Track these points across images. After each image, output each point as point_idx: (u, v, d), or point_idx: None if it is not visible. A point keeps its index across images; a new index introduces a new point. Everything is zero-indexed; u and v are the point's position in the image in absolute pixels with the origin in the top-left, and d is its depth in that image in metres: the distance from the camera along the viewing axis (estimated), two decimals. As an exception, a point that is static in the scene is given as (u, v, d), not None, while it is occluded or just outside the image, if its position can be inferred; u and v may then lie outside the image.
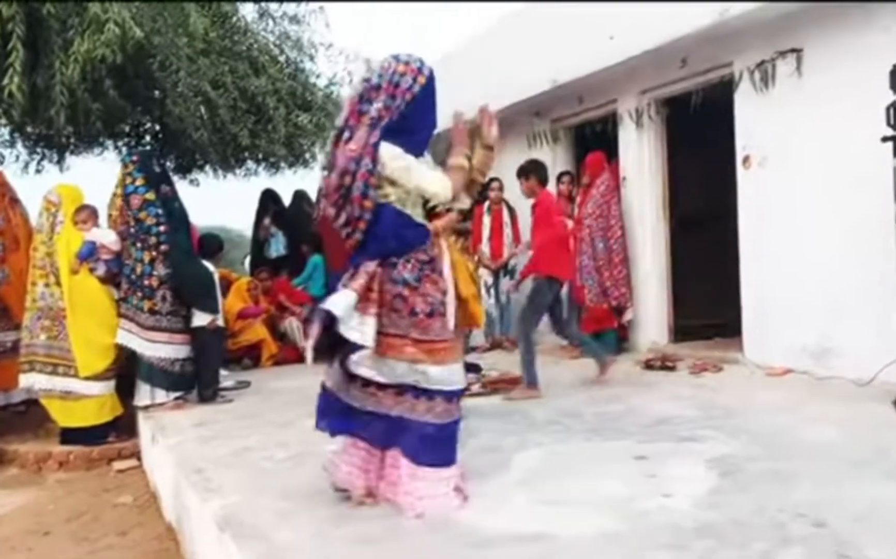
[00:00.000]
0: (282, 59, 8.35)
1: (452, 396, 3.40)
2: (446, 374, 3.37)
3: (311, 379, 3.78)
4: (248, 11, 8.38)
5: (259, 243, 9.84)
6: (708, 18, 6.59)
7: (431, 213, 3.71)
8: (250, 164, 9.11)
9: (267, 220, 9.69)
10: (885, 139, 4.95)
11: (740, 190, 7.07)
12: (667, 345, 8.06)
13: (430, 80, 3.41)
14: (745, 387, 6.11)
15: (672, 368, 7.06)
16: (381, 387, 3.37)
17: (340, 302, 3.23)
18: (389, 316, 3.32)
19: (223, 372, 7.19)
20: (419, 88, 3.35)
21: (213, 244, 7.30)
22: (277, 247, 9.77)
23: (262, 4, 8.46)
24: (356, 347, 3.24)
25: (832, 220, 6.09)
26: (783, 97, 6.57)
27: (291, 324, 8.94)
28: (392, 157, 3.28)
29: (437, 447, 3.37)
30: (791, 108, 6.48)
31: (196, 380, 6.57)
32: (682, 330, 8.28)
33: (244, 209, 10.27)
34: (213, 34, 7.40)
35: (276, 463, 4.51)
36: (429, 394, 3.35)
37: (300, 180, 9.95)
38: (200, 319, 6.56)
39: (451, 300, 4.54)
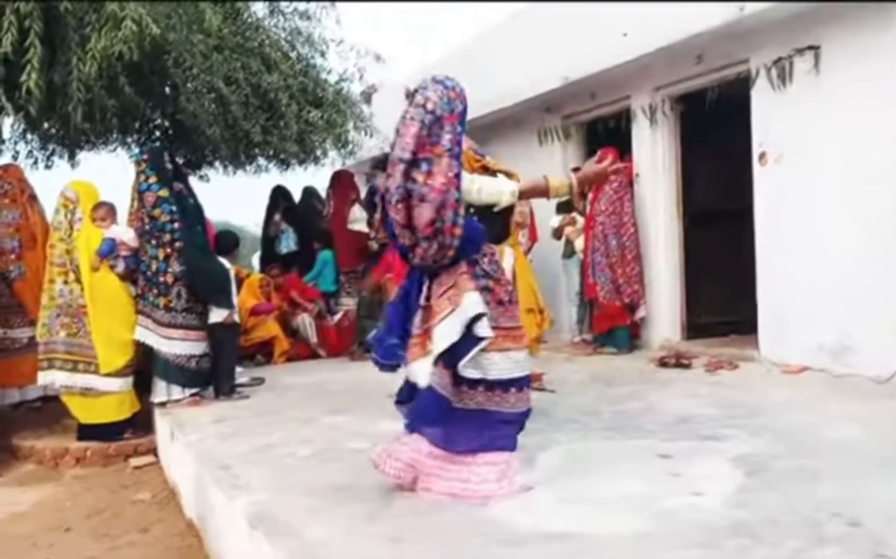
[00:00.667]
0: (293, 55, 8.30)
1: (526, 382, 3.63)
2: (526, 359, 3.62)
3: (325, 375, 3.85)
4: (259, 8, 8.34)
5: (270, 239, 9.83)
6: (724, 16, 6.58)
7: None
8: (261, 160, 9.09)
9: (277, 217, 9.69)
10: (904, 136, 4.94)
11: (756, 187, 7.06)
12: (680, 343, 8.05)
13: (466, 101, 3.57)
14: (763, 384, 6.10)
15: (687, 366, 7.05)
16: (476, 384, 3.51)
17: (478, 302, 3.36)
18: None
19: (238, 368, 7.19)
20: (464, 111, 3.49)
21: (228, 241, 7.30)
22: (288, 243, 9.77)
23: (274, 1, 8.43)
24: (466, 349, 3.37)
25: (849, 217, 6.08)
26: (800, 94, 6.55)
27: (304, 320, 8.95)
28: (468, 181, 3.56)
29: (513, 433, 3.65)
30: (808, 105, 6.47)
31: (212, 376, 6.57)
32: (696, 327, 8.28)
33: (254, 205, 10.26)
34: (225, 31, 7.36)
35: (299, 460, 4.51)
36: (517, 383, 3.56)
37: (310, 177, 10.01)
38: (216, 316, 6.57)
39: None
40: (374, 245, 9.58)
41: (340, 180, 9.90)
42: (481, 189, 3.63)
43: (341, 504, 3.61)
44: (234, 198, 12.30)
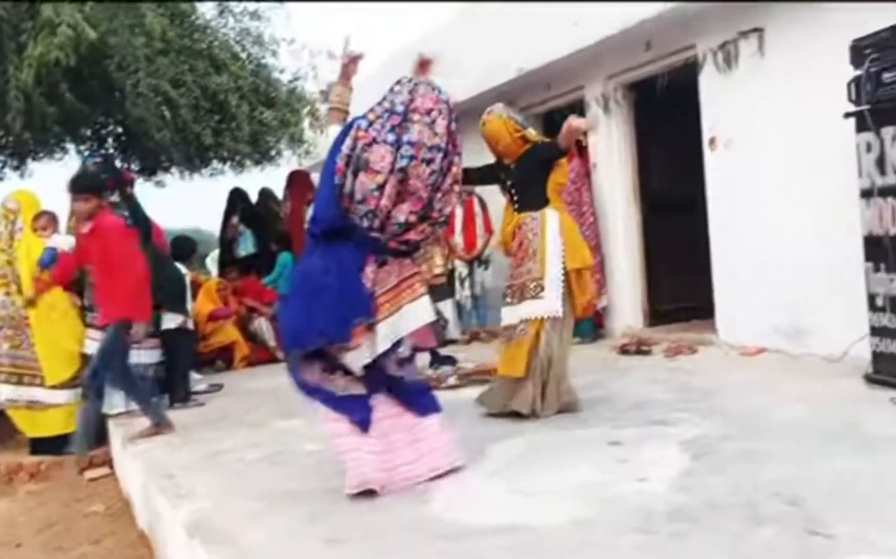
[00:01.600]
0: (243, 55, 8.24)
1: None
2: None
3: (284, 378, 3.74)
4: (207, 9, 8.27)
5: (227, 242, 9.72)
6: (669, 2, 6.59)
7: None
8: (216, 163, 9.00)
9: (235, 219, 9.57)
10: (847, 115, 4.96)
11: (707, 172, 7.09)
12: (642, 330, 8.07)
13: None
14: (720, 368, 6.13)
15: (647, 353, 7.07)
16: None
17: (424, 310, 3.62)
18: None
19: (196, 375, 7.11)
20: None
21: (185, 246, 7.21)
22: (246, 245, 9.66)
23: (223, 1, 8.34)
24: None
25: (798, 198, 6.12)
26: (746, 77, 6.59)
27: (261, 324, 8.85)
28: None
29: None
30: (754, 87, 6.50)
31: (167, 384, 6.47)
32: (658, 314, 8.31)
33: (215, 209, 10.14)
34: (171, 33, 7.27)
35: (247, 465, 4.46)
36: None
37: (267, 177, 9.84)
38: (170, 322, 6.48)
39: (555, 279, 4.78)
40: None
41: (296, 180, 9.81)
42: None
43: (285, 508, 3.55)
44: (201, 202, 12.18)
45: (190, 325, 6.75)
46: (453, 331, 8.95)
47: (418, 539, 3.03)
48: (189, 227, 10.85)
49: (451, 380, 6.18)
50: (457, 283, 8.79)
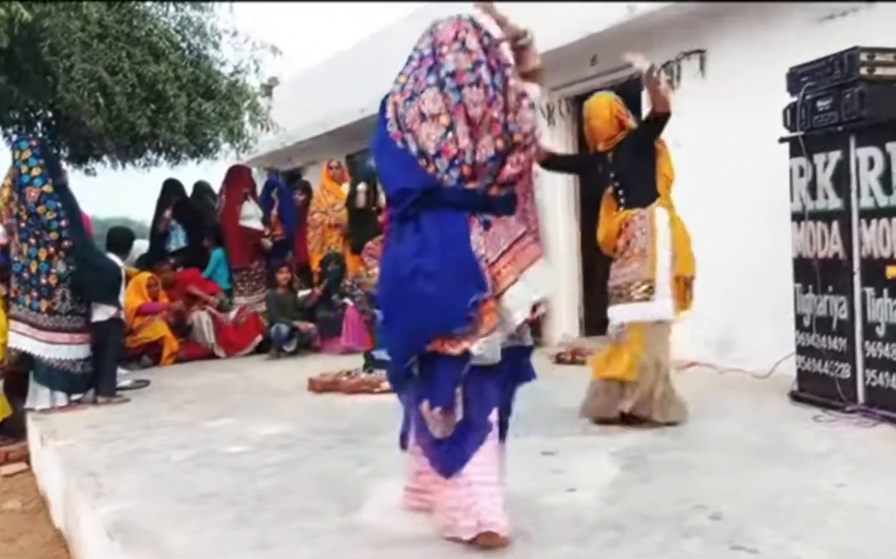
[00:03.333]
0: (183, 45, 8.04)
1: None
2: None
3: (217, 376, 3.66)
4: (147, -8, 8.04)
5: (159, 236, 9.45)
6: (616, 18, 6.67)
7: None
8: (150, 154, 8.75)
9: (168, 212, 9.32)
10: (782, 140, 5.09)
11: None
12: (578, 339, 8.14)
13: None
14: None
15: (582, 362, 7.10)
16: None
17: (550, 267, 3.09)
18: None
19: (121, 371, 6.89)
20: None
21: (123, 238, 6.99)
22: (177, 239, 9.42)
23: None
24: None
25: (733, 217, 6.25)
26: (687, 97, 6.70)
27: (200, 317, 8.62)
28: None
29: None
30: (695, 107, 6.61)
31: (94, 376, 6.26)
32: (594, 323, 8.38)
33: (147, 200, 9.87)
34: (109, 18, 7.06)
35: (173, 465, 4.33)
36: None
37: (204, 171, 9.64)
38: (101, 314, 6.28)
39: (665, 284, 4.56)
40: (268, 243, 9.37)
41: (235, 176, 9.62)
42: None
43: (210, 511, 3.46)
44: (132, 192, 11.83)
45: (121, 316, 6.55)
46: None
47: (347, 546, 2.98)
48: (118, 217, 10.57)
49: (385, 385, 6.11)
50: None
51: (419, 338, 2.76)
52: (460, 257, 2.74)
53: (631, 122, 4.83)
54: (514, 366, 2.98)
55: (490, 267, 2.79)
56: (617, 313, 4.69)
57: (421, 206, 2.80)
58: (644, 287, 4.55)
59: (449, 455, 2.84)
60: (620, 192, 4.72)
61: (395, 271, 2.84)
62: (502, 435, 3.05)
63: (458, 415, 2.78)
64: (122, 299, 6.64)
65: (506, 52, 2.87)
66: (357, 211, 8.67)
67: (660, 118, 4.64)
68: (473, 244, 2.77)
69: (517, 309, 2.78)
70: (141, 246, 9.72)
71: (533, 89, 2.92)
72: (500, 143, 2.80)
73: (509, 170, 2.85)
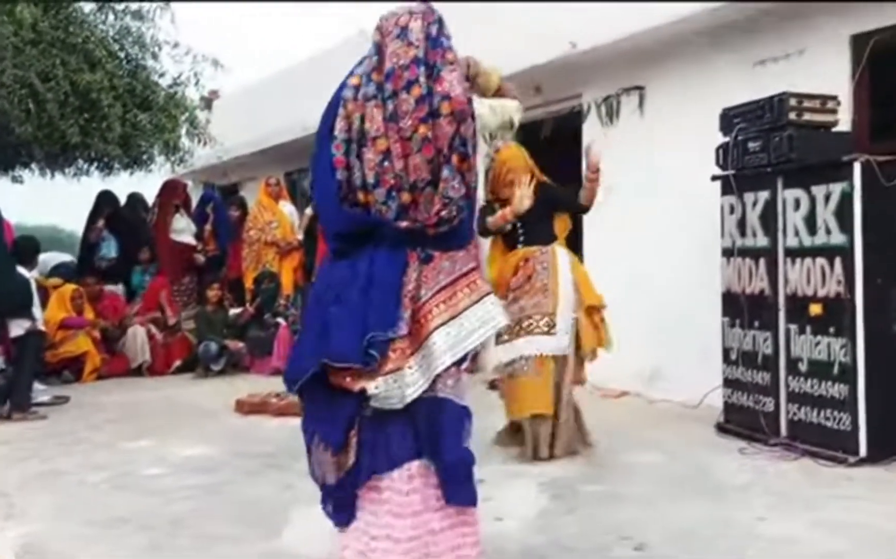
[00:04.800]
0: (121, 54, 7.86)
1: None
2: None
3: (140, 394, 3.53)
4: (86, 2, 7.84)
5: (89, 246, 9.16)
6: (559, 51, 6.77)
7: None
8: (81, 163, 8.50)
9: (100, 223, 9.06)
10: (714, 178, 5.21)
11: (585, 217, 7.26)
12: (511, 367, 8.13)
13: None
14: (583, 408, 6.22)
15: (515, 390, 7.12)
16: None
17: (500, 309, 2.61)
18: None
19: (39, 386, 6.62)
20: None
21: (28, 248, 6.74)
22: (108, 251, 9.14)
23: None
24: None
25: (666, 250, 6.36)
26: (626, 131, 6.83)
27: (136, 332, 8.33)
28: (476, 102, 2.62)
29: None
30: (633, 142, 6.74)
31: (9, 390, 6.00)
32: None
33: (77, 208, 9.58)
34: (43, 23, 6.86)
35: (88, 486, 4.19)
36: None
37: (137, 183, 9.40)
38: (17, 329, 6.06)
39: (566, 315, 4.35)
40: (200, 258, 9.18)
41: (168, 189, 9.42)
42: (494, 106, 2.72)
43: (125, 535, 3.35)
44: (61, 199, 11.46)
45: (41, 328, 6.30)
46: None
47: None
48: (47, 225, 10.23)
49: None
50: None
51: (315, 361, 2.43)
52: (380, 295, 2.44)
53: (538, 174, 4.97)
54: (432, 419, 2.46)
55: (420, 305, 2.46)
56: (508, 349, 4.72)
57: (355, 243, 2.52)
58: (545, 321, 4.60)
59: (338, 504, 2.51)
60: (521, 232, 4.79)
61: (319, 296, 2.60)
62: (457, 497, 2.50)
63: (350, 458, 2.45)
64: (37, 311, 6.38)
65: (452, 52, 2.49)
66: (308, 233, 8.59)
67: (584, 210, 4.93)
68: (406, 280, 2.45)
69: (441, 354, 2.42)
70: (50, 258, 9.39)
71: (481, 104, 2.61)
72: (433, 169, 2.40)
73: (439, 205, 2.42)
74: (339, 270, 2.54)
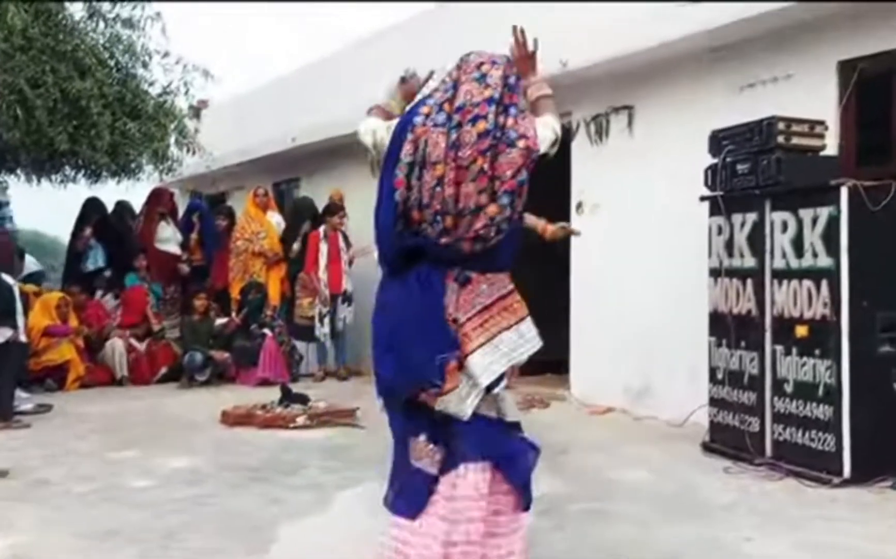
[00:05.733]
0: (111, 63, 7.85)
1: None
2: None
3: (124, 404, 3.51)
4: (76, 10, 7.84)
5: (76, 255, 9.10)
6: (548, 69, 6.79)
7: None
8: (69, 170, 8.47)
9: (87, 231, 9.00)
10: (702, 198, 5.26)
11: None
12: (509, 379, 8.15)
13: None
14: (570, 424, 6.27)
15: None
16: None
17: (535, 332, 2.71)
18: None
19: (22, 394, 6.56)
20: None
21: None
22: (95, 259, 9.08)
23: (94, 4, 7.93)
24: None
25: (653, 270, 6.41)
26: (615, 150, 6.89)
27: (115, 345, 8.28)
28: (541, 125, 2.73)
29: None
30: (622, 160, 6.80)
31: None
32: (529, 363, 8.41)
33: (62, 215, 9.51)
34: (34, 30, 6.85)
35: (74, 498, 4.16)
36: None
37: (124, 191, 9.38)
38: (-1, 336, 6.00)
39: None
40: (185, 268, 9.14)
41: (154, 198, 9.39)
42: (547, 123, 2.77)
43: (112, 548, 3.33)
44: (45, 205, 11.37)
45: (21, 338, 6.24)
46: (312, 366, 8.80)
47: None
48: (28, 230, 10.17)
49: (301, 420, 5.99)
50: (316, 321, 8.61)
51: (402, 385, 2.64)
52: (433, 319, 2.59)
53: None
54: (488, 437, 2.64)
55: (458, 327, 2.59)
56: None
57: (406, 263, 2.66)
58: None
59: (414, 491, 2.65)
60: None
61: (383, 306, 2.75)
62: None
63: (439, 453, 2.60)
64: (20, 318, 6.34)
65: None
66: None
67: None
68: (447, 303, 2.59)
69: (481, 374, 2.56)
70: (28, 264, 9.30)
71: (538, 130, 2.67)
72: (483, 198, 2.52)
73: (480, 223, 2.53)
74: (394, 289, 2.70)
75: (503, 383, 2.62)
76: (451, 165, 2.54)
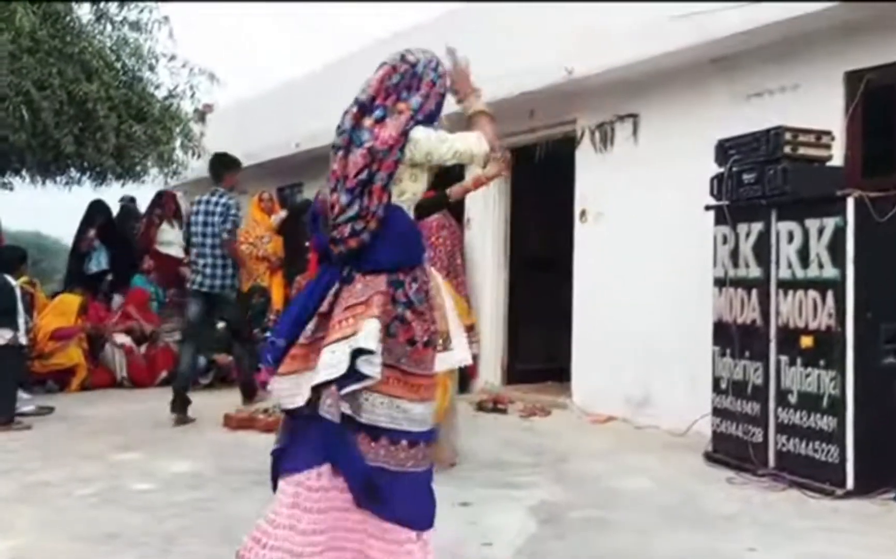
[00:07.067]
0: (118, 65, 7.87)
1: (431, 438, 2.81)
2: (427, 413, 2.78)
3: (125, 406, 3.50)
4: (84, 13, 7.86)
5: (79, 256, 9.11)
6: (554, 77, 6.83)
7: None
8: (74, 172, 8.49)
9: (91, 233, 9.02)
10: (708, 208, 5.25)
11: (576, 241, 7.33)
12: (499, 387, 8.17)
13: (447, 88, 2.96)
14: (571, 432, 6.25)
15: (503, 411, 7.15)
16: (358, 429, 2.65)
17: (373, 335, 2.60)
18: (385, 342, 2.67)
19: (24, 395, 6.55)
20: (444, 95, 2.88)
21: (13, 256, 6.70)
22: (98, 262, 9.10)
23: (102, 6, 7.95)
24: (346, 383, 2.61)
25: (657, 278, 6.39)
26: (619, 158, 6.88)
27: (112, 350, 8.27)
28: (425, 134, 2.73)
29: (429, 501, 2.70)
30: (626, 168, 6.79)
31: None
32: (517, 372, 8.44)
33: (66, 217, 9.54)
34: (41, 32, 6.87)
35: (75, 500, 4.14)
36: (409, 436, 2.68)
37: (129, 193, 9.40)
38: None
39: (460, 330, 4.27)
40: (187, 271, 9.13)
41: (156, 199, 9.42)
42: (454, 146, 2.80)
43: (112, 552, 3.33)
44: (47, 207, 11.38)
45: (22, 341, 6.25)
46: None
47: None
48: (30, 231, 10.21)
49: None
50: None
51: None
52: (297, 311, 2.76)
53: None
54: (330, 435, 2.60)
55: (325, 320, 2.67)
56: None
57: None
58: (442, 339, 4.73)
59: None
60: None
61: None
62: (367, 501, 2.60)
63: (279, 443, 2.76)
64: (21, 320, 6.34)
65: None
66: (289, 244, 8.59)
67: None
68: (326, 295, 2.69)
69: (322, 369, 2.58)
70: None
71: (426, 132, 2.70)
72: (335, 197, 2.65)
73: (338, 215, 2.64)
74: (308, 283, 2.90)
75: (365, 382, 2.59)
76: (332, 170, 2.71)
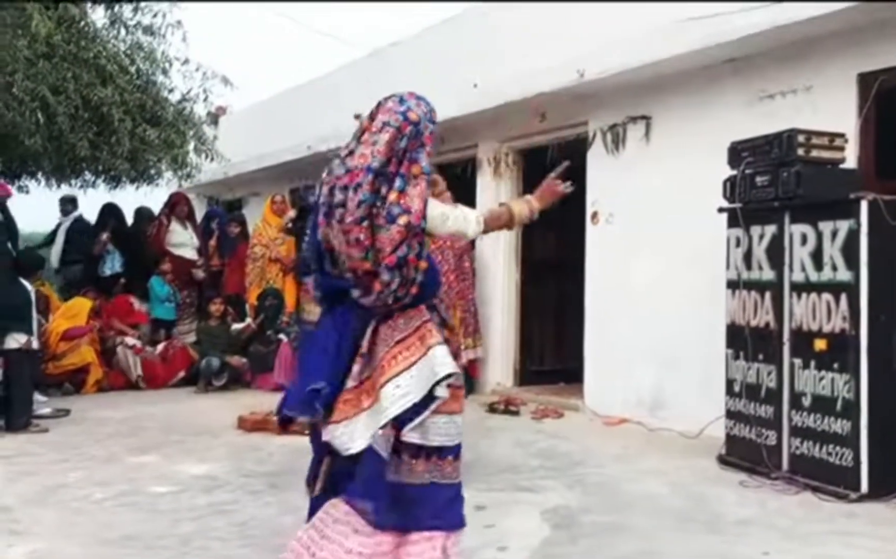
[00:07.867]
0: (132, 70, 7.94)
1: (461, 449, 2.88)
2: (462, 423, 2.87)
3: (141, 408, 3.54)
4: (98, 18, 7.94)
5: (93, 259, 9.18)
6: (567, 79, 6.84)
7: None
8: (88, 175, 8.58)
9: (105, 236, 9.09)
10: (720, 210, 5.25)
11: (588, 243, 7.33)
12: (511, 388, 8.18)
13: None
14: (584, 435, 6.26)
15: (516, 413, 7.16)
16: (417, 452, 2.71)
17: (448, 359, 2.70)
18: None
19: (40, 397, 6.63)
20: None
21: (31, 261, 6.77)
22: (112, 265, 9.16)
23: (116, 10, 8.01)
24: (417, 411, 2.66)
25: (670, 280, 6.39)
26: (632, 160, 6.88)
27: (124, 351, 8.34)
28: (435, 212, 2.79)
29: (460, 506, 2.81)
30: (638, 170, 6.79)
31: (5, 406, 6.01)
32: (528, 374, 8.45)
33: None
34: (57, 37, 6.94)
35: (93, 503, 4.19)
36: (455, 451, 2.78)
37: (143, 197, 9.50)
38: (13, 341, 6.07)
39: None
40: (200, 273, 9.22)
41: (170, 202, 9.49)
42: (447, 218, 2.85)
43: (131, 555, 3.34)
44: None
45: (34, 345, 6.31)
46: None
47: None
48: (42, 233, 10.29)
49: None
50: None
51: (293, 409, 2.81)
52: (334, 354, 2.74)
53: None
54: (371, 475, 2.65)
55: (369, 360, 2.71)
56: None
57: (334, 300, 2.82)
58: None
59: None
60: None
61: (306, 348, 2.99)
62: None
63: (316, 489, 2.79)
64: (35, 324, 6.40)
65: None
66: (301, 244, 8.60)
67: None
68: (366, 338, 2.72)
69: (391, 404, 2.61)
70: None
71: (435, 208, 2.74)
72: (367, 264, 2.63)
73: (377, 289, 2.65)
74: (323, 322, 2.86)
75: (426, 413, 2.64)
76: (336, 227, 2.67)
